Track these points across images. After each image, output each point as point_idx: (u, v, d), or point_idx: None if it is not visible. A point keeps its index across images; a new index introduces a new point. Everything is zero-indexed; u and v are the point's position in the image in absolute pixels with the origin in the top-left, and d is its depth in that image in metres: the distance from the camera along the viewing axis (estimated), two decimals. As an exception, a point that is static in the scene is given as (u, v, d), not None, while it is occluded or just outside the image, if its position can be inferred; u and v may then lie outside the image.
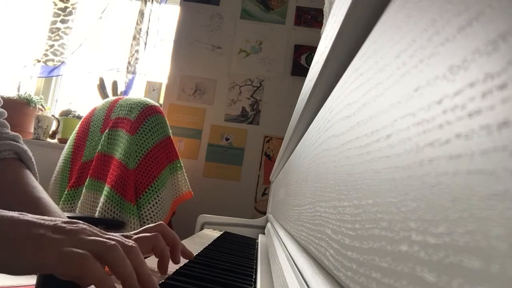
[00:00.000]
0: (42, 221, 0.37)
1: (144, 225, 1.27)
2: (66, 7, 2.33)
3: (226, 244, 0.90)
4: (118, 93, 2.04)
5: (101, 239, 0.37)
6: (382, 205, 0.16)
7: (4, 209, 0.57)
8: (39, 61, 2.27)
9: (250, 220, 1.35)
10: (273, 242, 0.73)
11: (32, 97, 2.16)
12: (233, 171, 1.93)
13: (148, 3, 2.23)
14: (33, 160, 0.66)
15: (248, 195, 1.91)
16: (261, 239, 1.06)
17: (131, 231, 1.04)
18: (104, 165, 1.42)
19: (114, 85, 2.03)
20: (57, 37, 2.30)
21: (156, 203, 1.34)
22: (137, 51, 2.18)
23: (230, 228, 1.30)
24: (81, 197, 1.40)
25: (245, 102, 1.98)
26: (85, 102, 2.25)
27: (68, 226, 0.37)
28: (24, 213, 0.38)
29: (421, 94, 0.13)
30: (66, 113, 2.15)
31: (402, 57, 0.15)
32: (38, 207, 0.58)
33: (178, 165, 1.47)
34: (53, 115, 2.19)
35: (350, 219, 0.20)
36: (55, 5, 2.33)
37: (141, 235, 0.53)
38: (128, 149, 1.36)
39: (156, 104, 1.49)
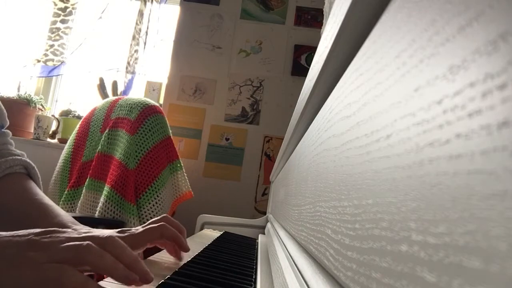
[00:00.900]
0: (16, 239, 0.37)
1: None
2: (66, 7, 2.33)
3: (226, 244, 0.90)
4: (118, 93, 2.04)
5: (74, 243, 0.37)
6: (382, 205, 0.16)
7: (16, 215, 0.59)
8: (39, 61, 2.27)
9: (250, 220, 1.35)
10: (273, 242, 0.73)
11: (32, 97, 2.16)
12: (233, 171, 1.93)
13: (148, 3, 2.23)
14: (39, 175, 0.70)
15: (248, 195, 1.91)
16: (261, 239, 1.06)
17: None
18: (104, 165, 1.42)
19: (114, 85, 2.03)
20: (57, 37, 2.30)
21: (156, 203, 1.34)
22: (136, 51, 2.18)
23: (230, 228, 1.30)
24: (81, 197, 1.40)
25: (245, 102, 1.98)
26: (85, 102, 2.25)
27: (41, 239, 0.37)
28: None
29: (421, 94, 0.13)
30: (66, 113, 2.15)
31: (402, 57, 0.15)
32: (46, 214, 0.60)
33: (178, 165, 1.47)
34: (53, 115, 2.19)
35: (350, 219, 0.20)
36: (55, 5, 2.33)
37: (147, 226, 0.56)
38: (128, 149, 1.36)
39: (156, 104, 1.49)
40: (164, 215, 0.61)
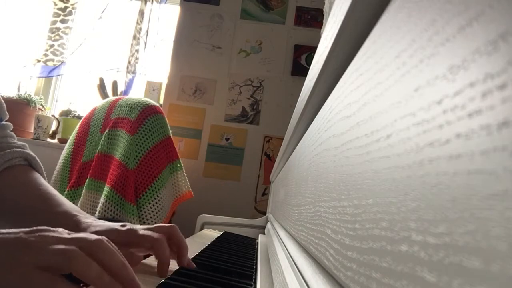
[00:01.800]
0: (6, 238, 0.36)
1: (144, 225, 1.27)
2: (66, 7, 2.33)
3: (226, 244, 0.90)
4: (118, 93, 2.04)
5: (62, 247, 0.36)
6: (382, 205, 0.16)
7: (19, 208, 0.59)
8: (39, 61, 2.27)
9: (250, 220, 1.35)
10: (273, 242, 0.73)
11: (32, 97, 2.16)
12: (233, 171, 1.93)
13: (148, 3, 2.23)
14: (41, 165, 0.69)
15: (248, 195, 1.91)
16: (261, 239, 1.06)
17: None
18: (104, 165, 1.42)
19: (114, 85, 2.03)
20: (57, 37, 2.30)
21: (156, 203, 1.34)
22: (137, 51, 2.18)
23: (230, 228, 1.30)
24: (81, 197, 1.40)
25: (245, 102, 1.98)
26: (85, 102, 2.25)
27: (29, 237, 0.36)
28: None
29: (421, 94, 0.13)
30: (66, 113, 2.15)
31: (402, 57, 0.15)
32: (51, 204, 0.59)
33: (178, 165, 1.47)
34: (53, 115, 2.19)
35: (350, 219, 0.20)
36: (55, 5, 2.33)
37: (158, 225, 0.56)
38: (128, 149, 1.36)
39: (156, 104, 1.49)
40: (173, 225, 0.59)
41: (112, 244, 0.40)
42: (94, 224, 0.56)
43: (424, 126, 0.12)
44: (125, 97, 1.58)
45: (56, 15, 2.33)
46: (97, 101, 1.74)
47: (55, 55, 2.28)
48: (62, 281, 0.34)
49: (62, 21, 2.32)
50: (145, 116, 1.42)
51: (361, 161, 0.19)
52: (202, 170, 1.93)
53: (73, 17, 2.35)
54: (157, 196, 1.35)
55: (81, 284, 0.38)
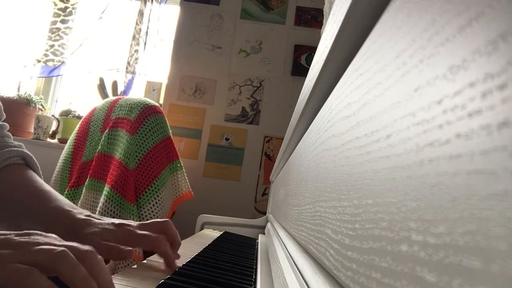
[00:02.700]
0: None
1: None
2: (66, 7, 2.33)
3: (226, 244, 0.90)
4: (118, 93, 2.04)
5: (49, 247, 0.35)
6: (382, 205, 0.16)
7: (14, 205, 0.59)
8: (39, 61, 2.27)
9: (250, 220, 1.35)
10: (273, 242, 0.73)
11: (32, 97, 2.16)
12: (233, 171, 1.93)
13: (148, 3, 2.23)
14: (38, 165, 0.69)
15: (248, 195, 1.91)
16: (261, 239, 1.06)
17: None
18: (104, 165, 1.42)
19: (114, 85, 2.03)
20: (57, 37, 2.30)
21: (156, 203, 1.34)
22: (136, 51, 2.18)
23: (230, 228, 1.30)
24: (81, 197, 1.40)
25: (245, 102, 1.98)
26: (85, 102, 2.25)
27: (18, 239, 0.35)
28: None
29: (421, 94, 0.13)
30: (66, 113, 2.15)
31: (402, 57, 0.15)
32: (44, 199, 0.59)
33: (178, 165, 1.47)
34: (53, 115, 2.19)
35: (350, 219, 0.20)
36: (55, 5, 2.33)
37: (152, 220, 0.57)
38: (128, 149, 1.36)
39: (156, 104, 1.49)
40: (167, 219, 0.60)
41: (102, 261, 0.38)
42: (90, 222, 0.55)
43: (424, 126, 0.12)
44: (125, 97, 1.58)
45: (56, 15, 2.33)
46: (97, 101, 1.74)
47: (55, 55, 2.28)
48: (39, 274, 0.32)
49: (62, 21, 2.32)
50: (145, 116, 1.42)
51: (361, 161, 0.19)
52: (202, 170, 1.93)
53: (73, 17, 2.35)
54: (157, 196, 1.35)
55: None
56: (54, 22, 2.32)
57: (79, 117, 2.07)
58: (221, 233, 1.17)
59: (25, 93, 2.17)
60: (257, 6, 2.05)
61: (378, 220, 0.16)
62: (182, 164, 1.49)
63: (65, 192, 1.46)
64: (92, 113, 1.60)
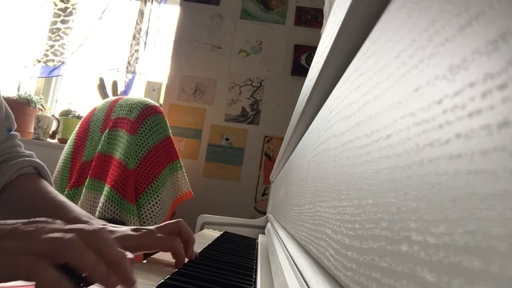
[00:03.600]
0: (2, 227, 0.35)
1: (144, 225, 1.27)
2: (66, 8, 2.33)
3: (226, 244, 0.90)
4: (118, 93, 2.04)
5: (57, 235, 0.35)
6: (382, 205, 0.16)
7: (30, 214, 0.60)
8: (39, 61, 2.27)
9: (250, 220, 1.35)
10: (273, 242, 0.73)
11: (32, 97, 2.16)
12: (233, 171, 1.93)
13: (148, 3, 2.23)
14: (49, 174, 0.72)
15: (248, 195, 1.91)
16: (261, 239, 1.06)
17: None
18: (104, 165, 1.42)
19: (114, 85, 2.03)
20: (57, 37, 2.30)
21: (156, 203, 1.34)
22: (137, 51, 2.18)
23: (230, 228, 1.30)
24: (81, 197, 1.40)
25: (245, 102, 1.98)
26: (85, 102, 2.25)
27: (25, 228, 0.36)
28: None
29: (421, 94, 0.13)
30: (66, 113, 2.15)
31: (402, 57, 0.15)
32: (62, 210, 0.61)
33: (178, 165, 1.47)
34: (53, 115, 2.19)
35: (350, 219, 0.20)
36: (55, 5, 2.33)
37: (166, 222, 0.58)
38: (128, 149, 1.36)
39: (156, 104, 1.49)
40: (180, 220, 0.60)
41: (111, 238, 0.39)
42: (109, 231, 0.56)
43: (424, 126, 0.12)
44: (125, 97, 1.58)
45: (57, 15, 2.33)
46: (97, 101, 1.74)
47: (55, 55, 2.28)
48: (47, 265, 0.33)
49: (63, 22, 2.33)
50: (145, 116, 1.42)
51: (361, 161, 0.19)
52: (202, 170, 1.93)
53: (73, 17, 2.35)
54: (157, 196, 1.35)
55: (81, 284, 0.37)
56: (54, 22, 2.32)
57: (79, 117, 2.07)
58: (221, 233, 1.17)
59: (25, 93, 2.17)
60: (257, 6, 2.05)
61: (378, 220, 0.16)
62: (182, 164, 1.49)
63: (65, 192, 1.46)
64: (92, 113, 1.60)
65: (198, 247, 0.76)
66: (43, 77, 2.30)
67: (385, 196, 0.15)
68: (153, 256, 0.62)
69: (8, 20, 2.36)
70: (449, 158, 0.10)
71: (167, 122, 1.48)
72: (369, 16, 0.22)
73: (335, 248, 0.23)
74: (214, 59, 2.02)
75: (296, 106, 0.56)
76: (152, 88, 2.14)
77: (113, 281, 0.36)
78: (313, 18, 2.03)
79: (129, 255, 0.52)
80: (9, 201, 0.63)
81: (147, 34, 2.20)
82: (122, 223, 1.28)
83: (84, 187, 1.41)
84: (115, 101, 1.55)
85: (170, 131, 1.48)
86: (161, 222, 1.36)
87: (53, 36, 2.30)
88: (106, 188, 1.34)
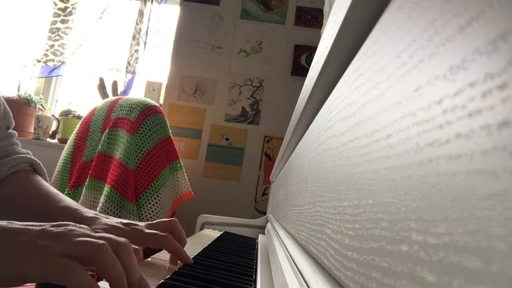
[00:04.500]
0: (30, 227, 0.36)
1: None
2: (66, 7, 2.33)
3: (226, 244, 0.90)
4: (118, 93, 2.04)
5: (90, 239, 0.36)
6: (382, 205, 0.16)
7: (24, 208, 0.62)
8: (39, 61, 2.27)
9: (250, 220, 1.35)
10: (273, 242, 0.73)
11: (32, 97, 2.16)
12: (233, 171, 1.93)
13: (148, 3, 2.23)
14: (45, 171, 0.73)
15: (248, 195, 1.91)
16: (261, 239, 1.06)
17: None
18: (104, 165, 1.42)
19: (114, 85, 2.03)
20: (57, 37, 2.30)
21: (156, 203, 1.34)
22: (136, 51, 2.18)
23: (230, 228, 1.30)
24: (81, 197, 1.40)
25: (245, 102, 1.98)
26: (85, 102, 2.25)
27: (55, 229, 0.36)
28: (12, 222, 0.37)
29: (421, 94, 0.13)
30: (66, 113, 2.15)
31: (402, 57, 0.15)
32: (52, 200, 0.62)
33: (178, 165, 1.47)
34: (53, 115, 2.19)
35: (350, 219, 0.20)
36: (55, 5, 2.33)
37: (155, 227, 0.58)
38: (128, 149, 1.36)
39: (156, 104, 1.49)
40: (173, 219, 0.62)
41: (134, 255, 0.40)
42: (98, 221, 0.57)
43: (424, 126, 0.12)
44: (125, 97, 1.58)
45: (56, 15, 2.33)
46: (97, 101, 1.74)
47: (55, 55, 2.28)
48: (81, 269, 0.34)
49: (62, 21, 2.32)
50: (145, 116, 1.42)
51: (361, 161, 0.19)
52: (202, 170, 1.93)
53: (73, 17, 2.35)
54: (157, 196, 1.35)
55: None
56: (54, 22, 2.32)
57: (79, 117, 2.07)
58: (221, 233, 1.17)
59: (25, 93, 2.17)
60: (257, 6, 2.05)
61: (378, 220, 0.16)
62: (182, 164, 1.49)
63: (65, 192, 1.46)
64: (92, 113, 1.60)
65: (198, 247, 0.76)
66: (43, 77, 2.30)
67: (385, 196, 0.15)
68: (153, 256, 0.62)
69: (8, 20, 2.36)
70: (449, 158, 0.10)
71: (167, 122, 1.48)
72: (369, 16, 0.22)
73: (335, 248, 0.23)
74: (214, 59, 2.02)
75: (296, 106, 0.56)
76: (152, 88, 2.14)
77: None
78: (313, 18, 2.03)
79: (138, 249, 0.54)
80: (3, 197, 0.64)
81: (147, 34, 2.20)
82: (122, 223, 1.28)
83: (84, 187, 1.41)
84: (115, 101, 1.55)
85: (170, 131, 1.48)
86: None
87: (53, 36, 2.30)
88: (106, 188, 1.34)
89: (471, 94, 0.10)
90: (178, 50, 2.02)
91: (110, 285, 0.36)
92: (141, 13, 2.21)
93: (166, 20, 2.29)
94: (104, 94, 1.99)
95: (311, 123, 0.44)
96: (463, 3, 0.11)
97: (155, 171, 1.37)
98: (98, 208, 1.32)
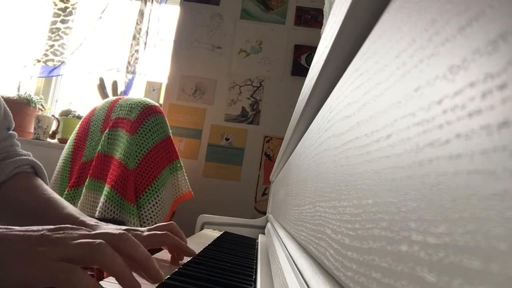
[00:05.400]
0: (29, 233, 0.37)
1: (144, 226, 1.27)
2: (66, 7, 2.33)
3: (226, 244, 0.90)
4: (118, 93, 2.04)
5: (87, 240, 0.37)
6: (382, 205, 0.16)
7: (26, 210, 0.63)
8: (39, 61, 2.27)
9: (250, 220, 1.35)
10: (273, 242, 0.73)
11: (32, 97, 2.16)
12: (233, 171, 1.93)
13: (148, 3, 2.23)
14: (46, 174, 0.73)
15: (248, 195, 1.91)
16: (261, 239, 1.06)
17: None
18: (104, 165, 1.42)
19: (114, 85, 2.03)
20: (57, 37, 2.30)
21: (156, 203, 1.34)
22: (137, 51, 2.18)
23: (230, 228, 1.30)
24: (81, 197, 1.40)
25: (245, 102, 1.98)
26: (85, 102, 2.25)
27: (54, 234, 0.37)
28: (11, 228, 0.38)
29: (421, 94, 0.13)
30: (66, 113, 2.15)
31: (402, 57, 0.15)
32: (55, 207, 0.63)
33: (178, 165, 1.47)
34: (53, 115, 2.19)
35: (350, 219, 0.20)
36: (55, 5, 2.33)
37: (153, 231, 0.59)
38: (128, 149, 1.36)
39: (156, 104, 1.49)
40: (171, 222, 0.64)
41: (135, 240, 0.41)
42: (100, 228, 0.58)
43: (424, 126, 0.12)
44: (125, 97, 1.58)
45: (56, 15, 2.33)
46: (97, 101, 1.74)
47: (55, 55, 2.28)
48: (83, 272, 0.34)
49: (62, 21, 2.32)
50: (145, 116, 1.42)
51: (361, 161, 0.19)
52: (202, 170, 1.93)
53: (73, 17, 2.35)
54: (157, 196, 1.35)
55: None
56: (54, 22, 2.32)
57: (79, 117, 2.07)
58: (221, 233, 1.17)
59: (25, 93, 2.17)
60: (257, 6, 2.05)
61: (378, 220, 0.16)
62: (182, 164, 1.49)
63: (65, 192, 1.46)
64: (92, 113, 1.60)
65: (198, 247, 0.76)
66: (43, 77, 2.30)
67: (385, 196, 0.15)
68: (154, 256, 0.63)
69: (8, 20, 2.35)
70: (449, 158, 0.10)
71: (167, 122, 1.48)
72: (369, 16, 0.22)
73: (335, 248, 0.23)
74: (214, 59, 2.02)
75: (296, 106, 0.56)
76: (152, 88, 2.14)
77: (136, 286, 0.37)
78: (313, 18, 2.03)
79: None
80: (5, 199, 0.64)
81: (147, 34, 2.20)
82: (122, 223, 1.28)
83: (84, 187, 1.41)
84: (115, 101, 1.55)
85: (170, 131, 1.48)
86: (161, 222, 1.37)
87: (53, 36, 2.30)
88: (106, 188, 1.34)
89: (471, 94, 0.10)
90: (178, 50, 2.02)
91: (116, 280, 0.37)
92: (141, 13, 2.21)
93: (166, 20, 2.29)
94: (104, 94, 1.99)
95: (311, 123, 0.44)
96: (463, 3, 0.11)
97: (155, 171, 1.37)
98: (98, 208, 1.31)
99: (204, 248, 0.76)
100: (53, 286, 0.34)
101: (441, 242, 0.10)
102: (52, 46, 2.29)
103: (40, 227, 0.38)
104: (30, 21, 2.37)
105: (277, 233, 0.75)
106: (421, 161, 0.12)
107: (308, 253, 0.35)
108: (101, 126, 1.52)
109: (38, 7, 2.38)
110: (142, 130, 1.39)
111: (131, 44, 2.19)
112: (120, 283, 0.37)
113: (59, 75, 2.30)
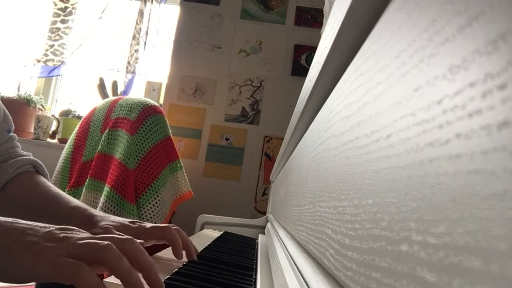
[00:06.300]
0: (36, 228, 0.37)
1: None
2: (66, 7, 2.33)
3: (226, 244, 0.90)
4: (118, 93, 2.04)
5: (94, 241, 0.37)
6: (382, 205, 0.16)
7: (33, 208, 0.64)
8: (39, 61, 2.27)
9: (250, 220, 1.35)
10: (273, 242, 0.73)
11: (32, 97, 2.15)
12: (233, 171, 1.93)
13: (148, 3, 2.23)
14: (47, 172, 0.75)
15: (248, 195, 1.91)
16: (261, 239, 1.06)
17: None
18: (104, 165, 1.42)
19: (114, 85, 2.03)
20: (57, 37, 2.30)
21: (156, 203, 1.34)
22: (136, 51, 2.18)
23: (230, 228, 1.30)
24: (81, 197, 1.40)
25: (245, 102, 1.98)
26: (85, 102, 2.25)
27: (62, 233, 0.38)
28: (17, 220, 0.38)
29: (421, 94, 0.13)
30: (66, 113, 2.15)
31: (402, 57, 0.15)
32: (62, 201, 0.65)
33: (178, 165, 1.47)
34: (53, 115, 2.19)
35: (350, 219, 0.20)
36: (55, 5, 2.33)
37: (155, 225, 0.61)
38: (128, 149, 1.36)
39: (156, 104, 1.49)
40: (168, 225, 0.64)
41: (141, 246, 0.42)
42: (107, 219, 0.60)
43: (424, 126, 0.12)
44: (125, 97, 1.58)
45: (56, 15, 2.33)
46: (97, 101, 1.74)
47: (55, 55, 2.28)
48: (88, 269, 0.35)
49: (62, 21, 2.32)
50: (145, 116, 1.42)
51: (361, 161, 0.19)
52: (202, 170, 1.93)
53: (73, 17, 2.35)
54: (157, 196, 1.35)
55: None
56: (54, 22, 2.32)
57: (79, 117, 2.07)
58: (221, 233, 1.17)
59: (25, 93, 2.17)
60: (257, 6, 2.05)
61: (378, 220, 0.16)
62: (182, 164, 1.49)
63: (65, 192, 1.46)
64: (92, 113, 1.60)
65: (198, 247, 0.76)
66: (43, 77, 2.30)
67: (385, 196, 0.15)
68: (157, 254, 0.63)
69: (8, 20, 2.35)
70: (449, 158, 0.10)
71: (167, 122, 1.48)
72: (369, 16, 0.22)
73: (335, 248, 0.23)
74: (214, 59, 2.02)
75: (296, 106, 0.56)
76: (152, 88, 2.14)
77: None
78: (313, 18, 2.03)
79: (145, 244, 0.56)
80: (9, 198, 0.65)
81: (147, 34, 2.20)
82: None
83: (84, 187, 1.41)
84: (115, 101, 1.55)
85: (170, 131, 1.48)
86: (161, 222, 1.37)
87: (52, 35, 2.30)
88: (106, 188, 1.34)
89: (471, 94, 0.10)
90: (178, 50, 2.02)
91: (121, 282, 0.37)
92: (141, 13, 2.21)
93: (166, 20, 2.29)
94: (104, 94, 1.99)
95: (311, 123, 0.44)
96: (463, 3, 0.11)
97: (155, 171, 1.37)
98: (98, 208, 1.31)
99: (204, 248, 0.76)
100: (57, 281, 0.34)
101: (441, 242, 0.10)
102: (52, 46, 2.29)
103: (47, 225, 0.39)
104: (30, 21, 2.37)
105: (277, 233, 0.75)
106: (421, 161, 0.12)
107: (308, 253, 0.35)
108: (101, 126, 1.52)
109: (38, 7, 2.38)
110: (142, 130, 1.39)
111: (131, 44, 2.19)
112: (124, 284, 0.37)
113: (59, 75, 2.30)
